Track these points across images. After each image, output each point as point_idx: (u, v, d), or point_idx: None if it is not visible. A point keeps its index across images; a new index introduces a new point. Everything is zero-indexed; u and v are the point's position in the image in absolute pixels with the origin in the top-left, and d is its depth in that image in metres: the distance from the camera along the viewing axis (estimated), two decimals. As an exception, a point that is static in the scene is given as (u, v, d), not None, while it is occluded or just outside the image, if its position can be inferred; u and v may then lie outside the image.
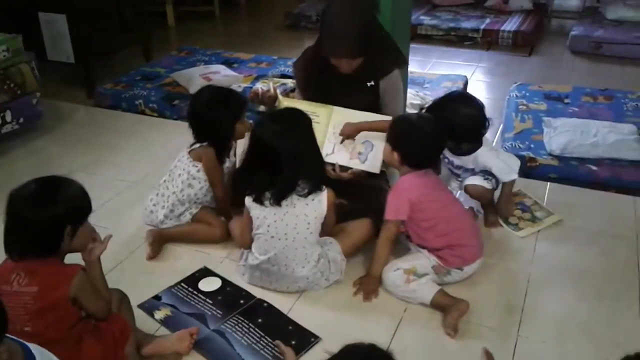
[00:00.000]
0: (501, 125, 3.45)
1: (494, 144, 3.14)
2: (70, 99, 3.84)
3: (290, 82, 3.51)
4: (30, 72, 3.18)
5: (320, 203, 2.04)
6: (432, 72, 4.25)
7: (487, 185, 2.39)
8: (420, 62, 4.60)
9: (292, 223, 2.02)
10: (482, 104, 2.39)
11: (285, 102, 2.55)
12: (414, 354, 1.86)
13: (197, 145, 2.37)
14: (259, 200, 2.03)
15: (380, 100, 2.41)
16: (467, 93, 2.44)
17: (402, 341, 1.93)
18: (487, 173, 2.40)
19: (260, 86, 3.60)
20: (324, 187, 2.06)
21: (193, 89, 3.62)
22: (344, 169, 2.36)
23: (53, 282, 1.60)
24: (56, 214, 1.60)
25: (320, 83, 2.43)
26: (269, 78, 3.76)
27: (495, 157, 2.40)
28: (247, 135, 2.21)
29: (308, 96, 2.51)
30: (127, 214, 2.59)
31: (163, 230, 2.39)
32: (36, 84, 3.22)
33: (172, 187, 2.39)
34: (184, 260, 2.31)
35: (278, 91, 3.48)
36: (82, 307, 1.65)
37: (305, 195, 2.02)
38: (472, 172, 2.43)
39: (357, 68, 2.30)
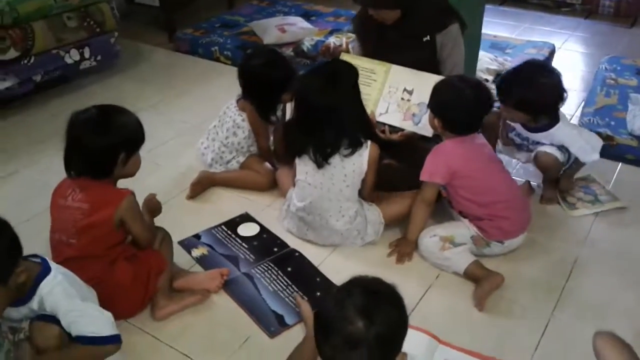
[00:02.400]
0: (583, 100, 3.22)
1: (571, 119, 2.95)
2: (151, 41, 3.96)
3: (362, 38, 3.43)
4: (110, 12, 3.29)
5: (360, 157, 2.01)
6: (519, 38, 4.00)
7: (560, 157, 2.25)
8: (510, 26, 4.35)
9: (329, 173, 2.03)
10: (559, 72, 2.22)
11: (345, 57, 2.50)
12: (437, 321, 1.83)
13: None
14: (301, 154, 2.06)
15: (437, 56, 2.33)
16: (542, 61, 2.27)
17: (428, 306, 1.90)
18: (562, 146, 2.27)
19: (333, 40, 3.56)
20: (367, 141, 2.02)
21: (267, 40, 3.64)
22: (395, 130, 2.30)
23: (103, 201, 1.71)
24: (112, 140, 1.71)
25: (378, 38, 2.37)
26: (343, 33, 3.70)
27: (577, 135, 2.24)
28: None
29: (367, 51, 2.45)
30: (183, 154, 2.68)
31: (212, 174, 2.45)
32: (115, 24, 3.33)
33: (221, 133, 2.45)
34: (228, 204, 2.37)
35: (350, 46, 3.46)
36: (128, 229, 1.75)
37: (349, 156, 1.99)
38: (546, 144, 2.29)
39: (411, 23, 2.24)
